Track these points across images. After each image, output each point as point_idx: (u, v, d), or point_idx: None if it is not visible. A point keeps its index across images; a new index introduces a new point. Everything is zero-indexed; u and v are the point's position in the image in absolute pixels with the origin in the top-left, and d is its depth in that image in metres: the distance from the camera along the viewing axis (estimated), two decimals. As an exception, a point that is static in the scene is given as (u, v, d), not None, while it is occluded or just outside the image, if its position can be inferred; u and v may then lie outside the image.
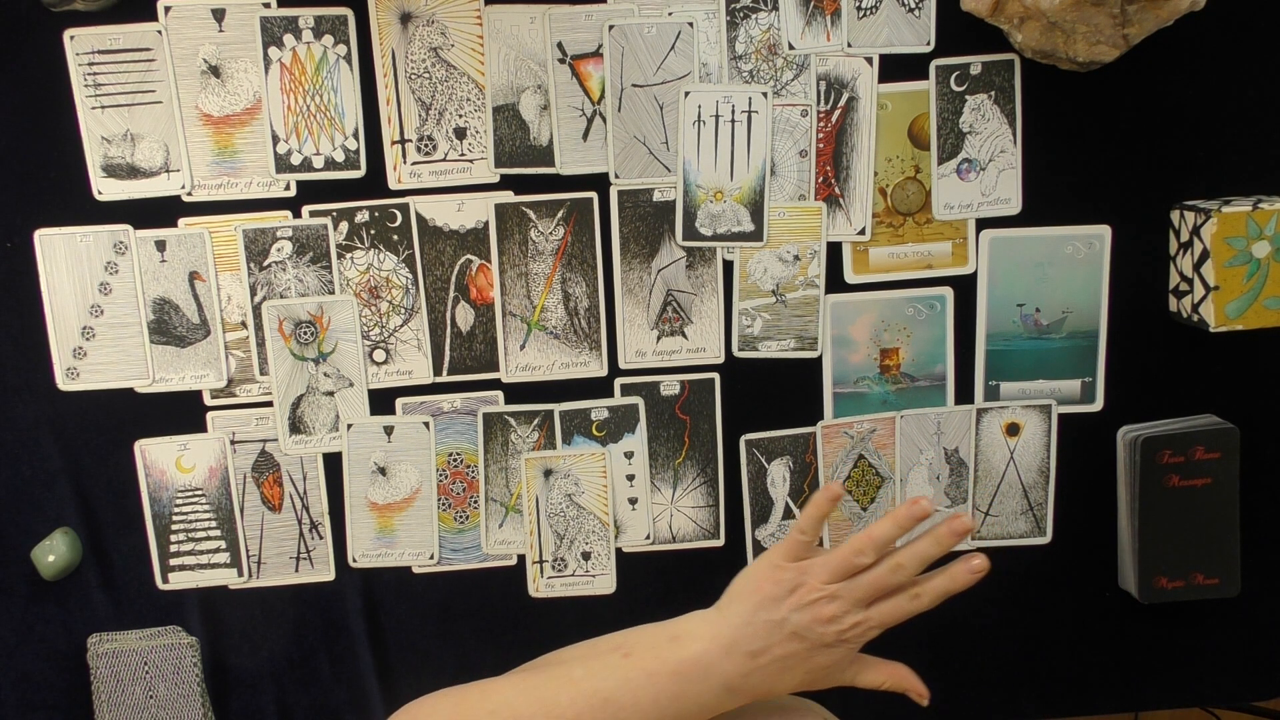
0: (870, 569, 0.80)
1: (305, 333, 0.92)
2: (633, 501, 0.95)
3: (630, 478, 0.95)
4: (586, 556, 0.95)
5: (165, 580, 0.94)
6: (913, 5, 0.90)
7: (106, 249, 0.90)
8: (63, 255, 0.90)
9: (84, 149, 0.89)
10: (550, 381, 0.94)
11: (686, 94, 0.91)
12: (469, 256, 0.92)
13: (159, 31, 0.88)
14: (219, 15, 0.88)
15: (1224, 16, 0.90)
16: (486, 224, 0.92)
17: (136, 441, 0.92)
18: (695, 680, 0.79)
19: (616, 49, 0.90)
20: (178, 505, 0.93)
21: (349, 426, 0.93)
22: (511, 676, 0.85)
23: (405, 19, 0.89)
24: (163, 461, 0.93)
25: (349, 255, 0.92)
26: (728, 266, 0.93)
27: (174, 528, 0.93)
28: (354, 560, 0.95)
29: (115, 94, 0.88)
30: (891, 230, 0.93)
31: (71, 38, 0.87)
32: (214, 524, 0.94)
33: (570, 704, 0.78)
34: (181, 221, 0.90)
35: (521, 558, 0.96)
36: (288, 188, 0.91)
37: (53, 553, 0.90)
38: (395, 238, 0.91)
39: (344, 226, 0.91)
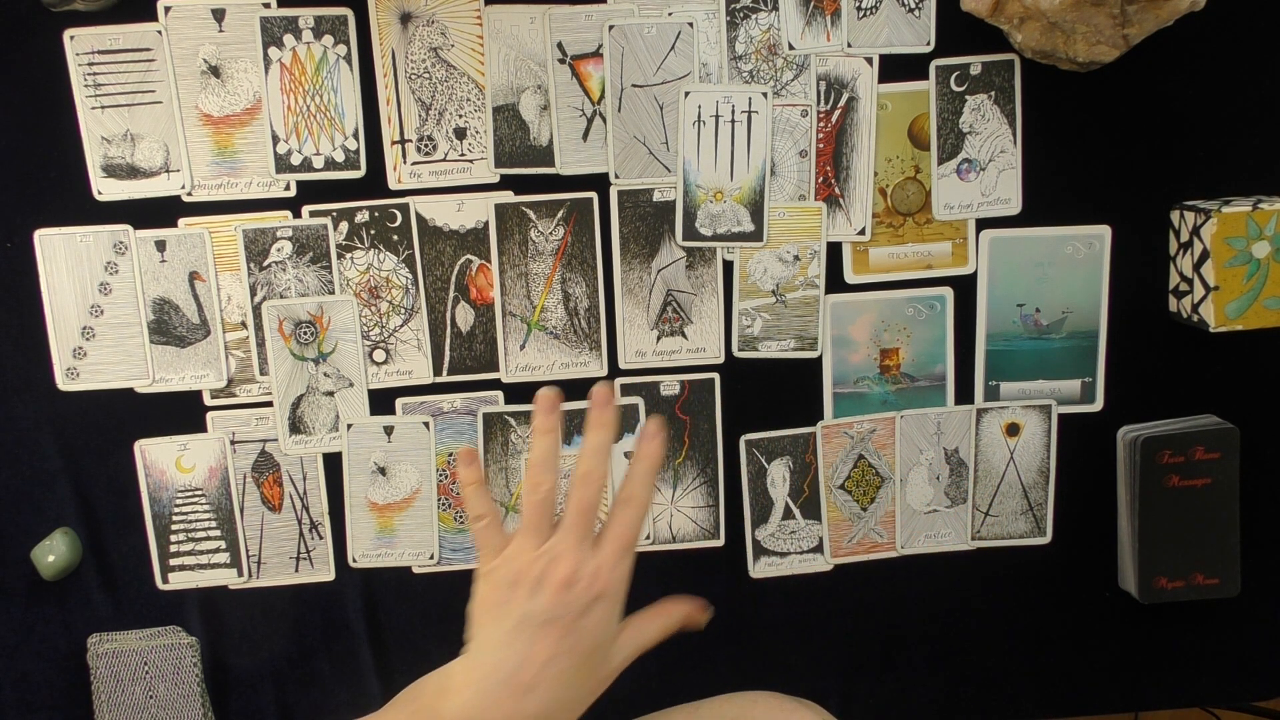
0: (566, 500, 0.72)
1: (305, 333, 0.92)
2: (633, 501, 0.95)
3: (630, 478, 0.95)
4: (586, 556, 0.95)
5: (165, 580, 0.94)
6: (913, 5, 0.90)
7: (106, 249, 0.90)
8: (63, 255, 0.90)
9: (84, 149, 0.89)
10: (550, 381, 0.94)
11: (686, 94, 0.91)
12: (469, 256, 0.92)
13: (159, 31, 0.88)
14: (219, 15, 0.88)
15: (1224, 16, 0.90)
16: (486, 224, 0.92)
17: (136, 441, 0.92)
18: None
19: (616, 49, 0.90)
20: (178, 505, 0.93)
21: (349, 426, 0.93)
22: None
23: (405, 19, 0.89)
24: (163, 461, 0.93)
25: (349, 255, 0.92)
26: (728, 266, 0.93)
27: (174, 528, 0.93)
28: (354, 560, 0.95)
29: (115, 94, 0.88)
30: (891, 230, 0.93)
31: (71, 38, 0.87)
32: (214, 524, 0.94)
33: None
34: (181, 221, 0.90)
35: (521, 558, 0.96)
36: (288, 188, 0.91)
37: (53, 553, 0.90)
38: (395, 238, 0.91)
39: (344, 226, 0.91)
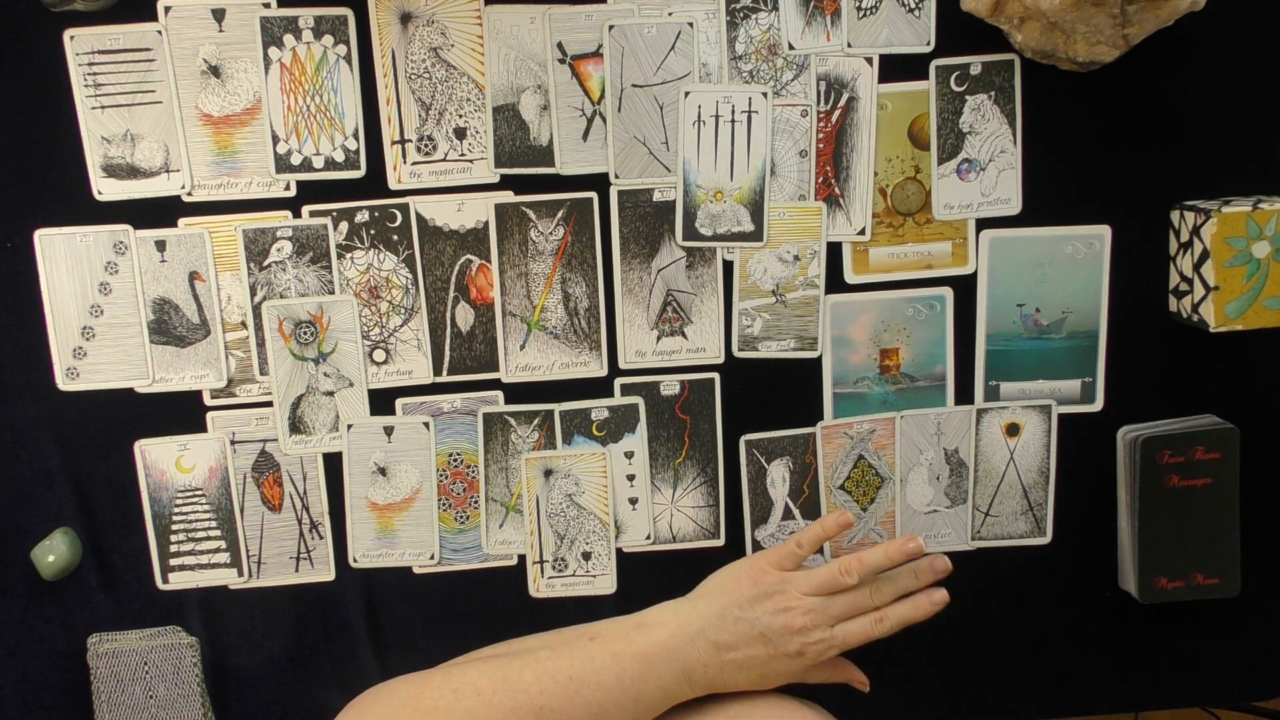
0: (849, 592, 0.85)
1: (305, 333, 0.92)
2: (633, 501, 0.95)
3: (630, 478, 0.95)
4: (587, 556, 0.95)
5: (165, 580, 0.94)
6: (913, 5, 0.90)
7: (106, 249, 0.90)
8: (63, 255, 0.90)
9: (84, 149, 0.89)
10: (550, 381, 0.94)
11: (686, 94, 0.91)
12: (469, 256, 0.92)
13: (159, 31, 0.88)
14: (219, 15, 0.88)
15: (1224, 16, 0.90)
16: (486, 224, 0.92)
17: (136, 441, 0.92)
18: (659, 663, 0.83)
19: (616, 49, 0.90)
20: (178, 505, 0.93)
21: (349, 427, 0.93)
22: (473, 658, 0.87)
23: (405, 19, 0.89)
24: (163, 461, 0.93)
25: (349, 255, 0.92)
26: (728, 266, 0.93)
27: (174, 528, 0.93)
28: (354, 560, 0.95)
29: (115, 94, 0.88)
30: (891, 230, 0.93)
31: (71, 38, 0.87)
32: (214, 524, 0.94)
33: (535, 681, 0.81)
34: (181, 221, 0.90)
35: (522, 558, 0.96)
36: (288, 188, 0.91)
37: (53, 553, 0.90)
38: (395, 238, 0.91)
39: (344, 226, 0.91)
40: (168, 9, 0.88)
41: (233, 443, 0.93)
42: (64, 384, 0.91)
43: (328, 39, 0.89)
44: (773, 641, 0.84)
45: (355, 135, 0.90)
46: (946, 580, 0.97)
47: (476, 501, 0.95)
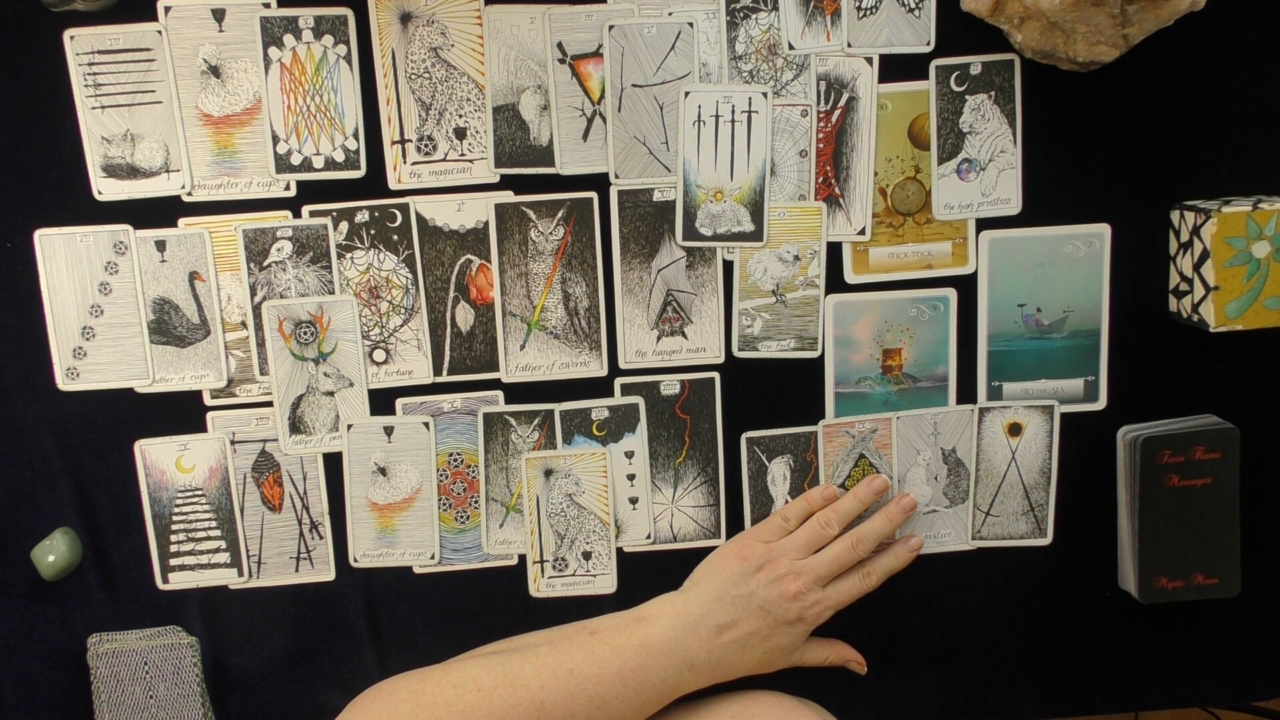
0: (832, 546, 0.88)
1: (305, 333, 0.92)
2: (633, 501, 0.95)
3: (631, 477, 0.95)
4: (587, 556, 0.95)
5: (165, 580, 0.94)
6: (913, 5, 0.90)
7: (106, 249, 0.90)
8: (63, 255, 0.90)
9: (84, 149, 0.89)
10: (550, 381, 0.94)
11: (686, 94, 0.91)
12: (469, 256, 0.92)
13: (159, 31, 0.88)
14: (219, 15, 0.88)
15: (1224, 16, 0.90)
16: (486, 224, 0.92)
17: (136, 441, 0.92)
18: (660, 655, 0.84)
19: (616, 49, 0.90)
20: (178, 505, 0.93)
21: (349, 427, 0.93)
22: (474, 654, 0.88)
23: (405, 19, 0.89)
24: (163, 461, 0.93)
25: (349, 255, 0.92)
26: (728, 266, 0.93)
27: (174, 528, 0.93)
28: (355, 560, 0.95)
29: (115, 94, 0.88)
30: (891, 230, 0.93)
31: (71, 38, 0.87)
32: (214, 524, 0.94)
33: (535, 676, 0.82)
34: (181, 221, 0.90)
35: (522, 558, 0.96)
36: (288, 188, 0.91)
37: (53, 553, 0.90)
38: (395, 238, 0.91)
39: (344, 226, 0.91)
40: (168, 9, 0.88)
41: (233, 443, 0.93)
42: (64, 384, 0.91)
43: (328, 39, 0.89)
44: (771, 612, 0.85)
45: (355, 135, 0.90)
46: (947, 580, 0.97)
47: (477, 501, 0.95)
